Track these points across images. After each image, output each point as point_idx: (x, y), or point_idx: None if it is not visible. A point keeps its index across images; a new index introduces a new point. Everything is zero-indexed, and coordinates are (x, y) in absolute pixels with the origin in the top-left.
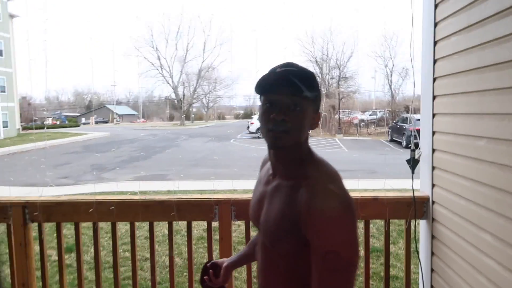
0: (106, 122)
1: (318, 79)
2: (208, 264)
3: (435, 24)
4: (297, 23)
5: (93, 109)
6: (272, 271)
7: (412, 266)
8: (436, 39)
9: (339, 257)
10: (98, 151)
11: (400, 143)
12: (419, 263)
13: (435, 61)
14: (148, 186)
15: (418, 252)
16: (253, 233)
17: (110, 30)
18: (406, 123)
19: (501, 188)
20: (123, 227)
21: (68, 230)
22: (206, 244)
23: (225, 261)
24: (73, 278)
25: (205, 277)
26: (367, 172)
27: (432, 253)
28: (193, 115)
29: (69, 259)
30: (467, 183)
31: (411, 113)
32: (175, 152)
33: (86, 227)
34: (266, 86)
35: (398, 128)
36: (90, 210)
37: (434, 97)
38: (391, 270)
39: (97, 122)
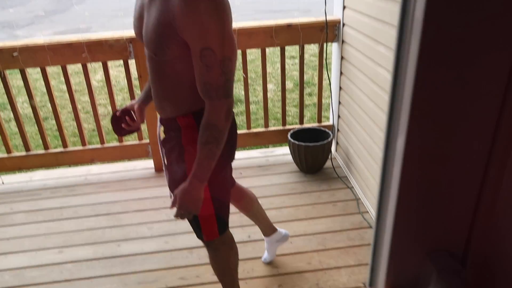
0: None
1: None
2: (118, 113)
3: None
4: None
5: None
6: (162, 79)
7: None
8: None
9: (214, 53)
10: (5, 6)
11: None
12: (329, 82)
13: None
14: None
15: (328, 73)
16: None
17: None
18: None
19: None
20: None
21: None
22: (118, 88)
23: (134, 102)
24: None
25: (123, 124)
26: (302, 12)
27: (341, 73)
28: None
29: None
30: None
31: None
32: (97, 2)
33: None
34: None
35: None
36: None
37: None
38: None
39: None
